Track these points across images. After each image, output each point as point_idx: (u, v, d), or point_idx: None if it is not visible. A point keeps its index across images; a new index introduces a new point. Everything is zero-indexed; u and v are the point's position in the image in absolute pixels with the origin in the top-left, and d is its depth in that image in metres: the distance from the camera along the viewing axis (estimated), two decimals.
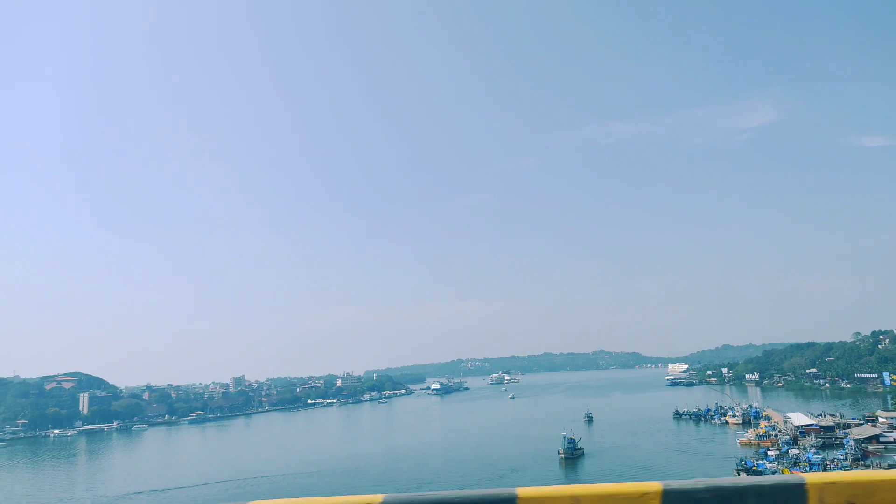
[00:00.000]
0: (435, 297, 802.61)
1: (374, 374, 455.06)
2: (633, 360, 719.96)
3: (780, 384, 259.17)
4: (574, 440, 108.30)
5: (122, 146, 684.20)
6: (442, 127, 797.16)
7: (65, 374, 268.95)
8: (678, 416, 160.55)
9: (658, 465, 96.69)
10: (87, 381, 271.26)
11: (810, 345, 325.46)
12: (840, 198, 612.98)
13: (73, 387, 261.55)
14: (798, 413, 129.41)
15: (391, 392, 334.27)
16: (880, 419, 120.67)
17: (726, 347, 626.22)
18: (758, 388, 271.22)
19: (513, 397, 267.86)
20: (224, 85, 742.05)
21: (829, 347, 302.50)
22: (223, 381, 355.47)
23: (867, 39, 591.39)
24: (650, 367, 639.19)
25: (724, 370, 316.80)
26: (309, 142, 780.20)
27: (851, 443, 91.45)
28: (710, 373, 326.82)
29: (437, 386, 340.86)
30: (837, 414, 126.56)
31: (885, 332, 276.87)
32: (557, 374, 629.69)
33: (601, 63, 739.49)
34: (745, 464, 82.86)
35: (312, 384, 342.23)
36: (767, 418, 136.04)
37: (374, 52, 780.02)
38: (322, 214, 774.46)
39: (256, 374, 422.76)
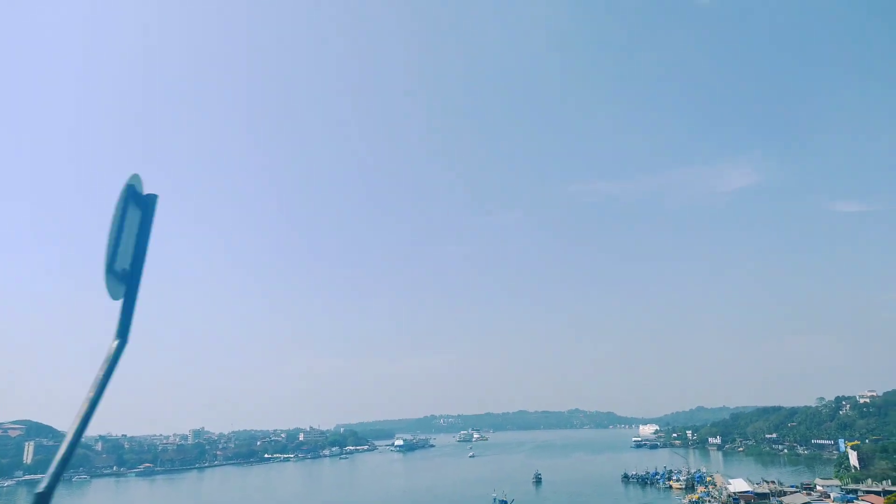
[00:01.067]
0: (412, 350, 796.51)
1: (342, 429, 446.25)
2: (607, 420, 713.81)
3: (740, 449, 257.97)
4: (506, 502, 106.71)
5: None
6: (421, 179, 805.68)
7: (12, 422, 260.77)
8: (626, 479, 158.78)
9: None
10: (35, 429, 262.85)
11: (776, 409, 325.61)
12: (818, 260, 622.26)
13: (19, 435, 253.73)
14: (740, 479, 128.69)
15: (353, 448, 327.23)
16: (817, 486, 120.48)
17: (700, 409, 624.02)
18: (720, 452, 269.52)
19: (472, 456, 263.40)
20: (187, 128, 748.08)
21: (793, 412, 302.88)
22: (184, 433, 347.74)
23: (844, 106, 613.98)
24: (624, 427, 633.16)
25: (689, 433, 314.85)
26: (282, 190, 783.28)
27: None
28: (675, 435, 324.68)
29: (401, 443, 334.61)
30: (775, 481, 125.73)
31: (847, 398, 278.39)
32: (530, 432, 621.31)
33: (586, 121, 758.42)
34: None
35: (273, 438, 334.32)
36: (711, 483, 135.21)
37: (351, 103, 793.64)
38: (298, 264, 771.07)
39: (224, 425, 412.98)
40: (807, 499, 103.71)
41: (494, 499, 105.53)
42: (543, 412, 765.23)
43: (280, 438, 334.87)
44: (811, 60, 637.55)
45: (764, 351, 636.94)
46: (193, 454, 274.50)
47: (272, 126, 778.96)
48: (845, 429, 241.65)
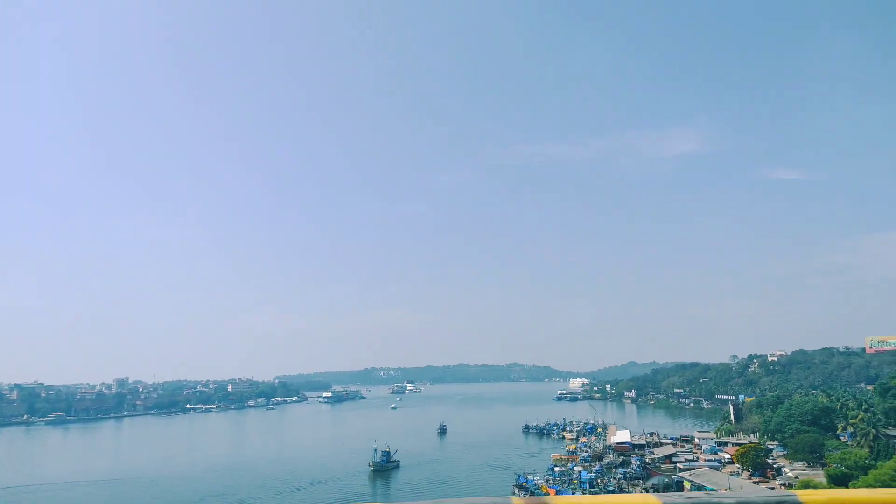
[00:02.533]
0: (360, 304, 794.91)
1: (277, 381, 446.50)
2: (544, 374, 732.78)
3: (652, 402, 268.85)
4: (388, 452, 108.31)
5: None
6: (378, 137, 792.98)
7: None
8: (527, 430, 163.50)
9: (459, 479, 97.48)
10: None
11: (693, 365, 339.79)
12: (753, 226, 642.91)
13: None
14: (626, 431, 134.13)
15: (282, 399, 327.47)
16: (696, 438, 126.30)
17: (631, 364, 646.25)
18: (634, 405, 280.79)
19: (394, 408, 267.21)
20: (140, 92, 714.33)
21: (707, 369, 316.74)
22: (110, 383, 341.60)
23: (789, 76, 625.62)
24: (559, 381, 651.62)
25: (608, 387, 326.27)
26: (244, 140, 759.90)
27: (634, 462, 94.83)
28: (596, 389, 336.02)
29: (329, 395, 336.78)
30: (656, 433, 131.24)
31: (759, 356, 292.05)
32: (468, 385, 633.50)
33: (536, 84, 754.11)
34: (519, 479, 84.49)
35: (199, 389, 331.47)
36: (601, 434, 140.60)
37: (313, 63, 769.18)
38: (243, 218, 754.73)
39: (164, 376, 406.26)
40: (673, 450, 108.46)
41: (375, 449, 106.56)
42: (483, 366, 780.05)
43: (207, 389, 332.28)
44: (758, 32, 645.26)
45: (696, 311, 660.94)
46: (112, 403, 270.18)
47: (234, 78, 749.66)
48: (751, 385, 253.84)
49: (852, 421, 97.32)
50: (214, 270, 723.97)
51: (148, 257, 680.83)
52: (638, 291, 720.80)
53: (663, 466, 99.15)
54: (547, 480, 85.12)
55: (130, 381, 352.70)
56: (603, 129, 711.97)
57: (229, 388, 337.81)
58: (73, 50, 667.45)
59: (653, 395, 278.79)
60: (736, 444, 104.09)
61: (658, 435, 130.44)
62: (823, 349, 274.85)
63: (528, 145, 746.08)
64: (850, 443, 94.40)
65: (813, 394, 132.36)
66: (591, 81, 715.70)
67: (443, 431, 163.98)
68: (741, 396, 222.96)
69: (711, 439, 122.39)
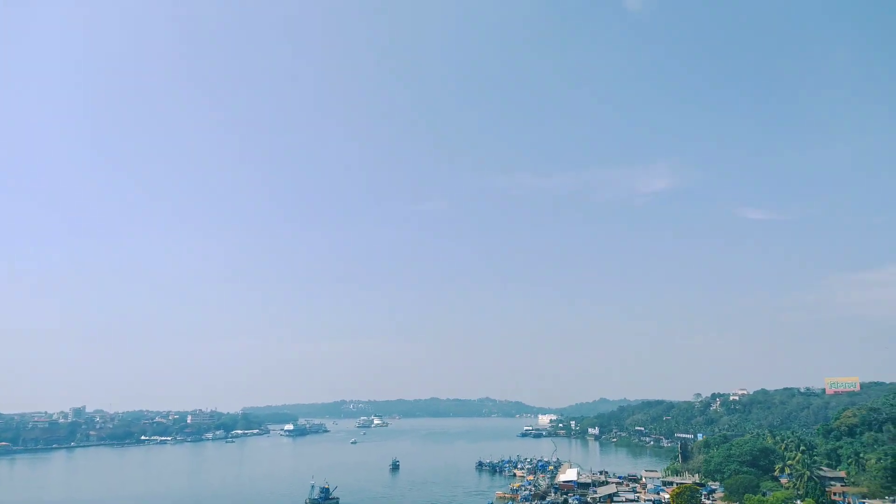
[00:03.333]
0: (332, 335, 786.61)
1: (241, 412, 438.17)
2: (515, 410, 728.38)
3: (614, 440, 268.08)
4: (328, 489, 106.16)
5: None
6: (350, 164, 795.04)
7: None
8: (480, 466, 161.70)
9: None
10: None
11: (658, 403, 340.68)
12: (724, 264, 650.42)
13: None
14: (574, 469, 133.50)
15: (242, 432, 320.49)
16: (642, 477, 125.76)
17: (602, 401, 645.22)
18: (597, 442, 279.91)
19: (354, 442, 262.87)
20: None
21: (671, 406, 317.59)
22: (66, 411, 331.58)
23: (759, 119, 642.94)
24: (529, 416, 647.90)
25: (573, 424, 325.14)
26: (229, 168, 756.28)
27: (572, 501, 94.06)
28: (561, 426, 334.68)
29: (291, 428, 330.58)
30: (605, 472, 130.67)
31: (721, 395, 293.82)
32: (438, 419, 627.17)
33: (512, 118, 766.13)
34: None
35: (156, 420, 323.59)
36: (553, 472, 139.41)
37: (292, 86, 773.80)
38: (210, 245, 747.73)
39: (130, 404, 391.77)
40: (612, 490, 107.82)
41: (312, 486, 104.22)
42: (455, 400, 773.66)
43: (165, 421, 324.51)
44: (728, 76, 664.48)
45: (668, 347, 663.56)
46: (63, 434, 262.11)
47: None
48: (711, 423, 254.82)
49: (789, 462, 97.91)
50: (185, 299, 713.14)
51: (119, 283, 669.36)
52: (611, 327, 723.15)
53: None
54: None
55: (91, 410, 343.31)
56: (579, 164, 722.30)
57: (189, 419, 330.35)
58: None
59: (616, 432, 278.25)
60: (679, 483, 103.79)
61: (607, 474, 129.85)
62: (784, 389, 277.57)
63: (504, 176, 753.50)
64: (787, 484, 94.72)
65: (763, 434, 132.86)
66: (569, 116, 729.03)
67: (395, 467, 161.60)
68: (699, 435, 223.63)
69: (657, 478, 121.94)
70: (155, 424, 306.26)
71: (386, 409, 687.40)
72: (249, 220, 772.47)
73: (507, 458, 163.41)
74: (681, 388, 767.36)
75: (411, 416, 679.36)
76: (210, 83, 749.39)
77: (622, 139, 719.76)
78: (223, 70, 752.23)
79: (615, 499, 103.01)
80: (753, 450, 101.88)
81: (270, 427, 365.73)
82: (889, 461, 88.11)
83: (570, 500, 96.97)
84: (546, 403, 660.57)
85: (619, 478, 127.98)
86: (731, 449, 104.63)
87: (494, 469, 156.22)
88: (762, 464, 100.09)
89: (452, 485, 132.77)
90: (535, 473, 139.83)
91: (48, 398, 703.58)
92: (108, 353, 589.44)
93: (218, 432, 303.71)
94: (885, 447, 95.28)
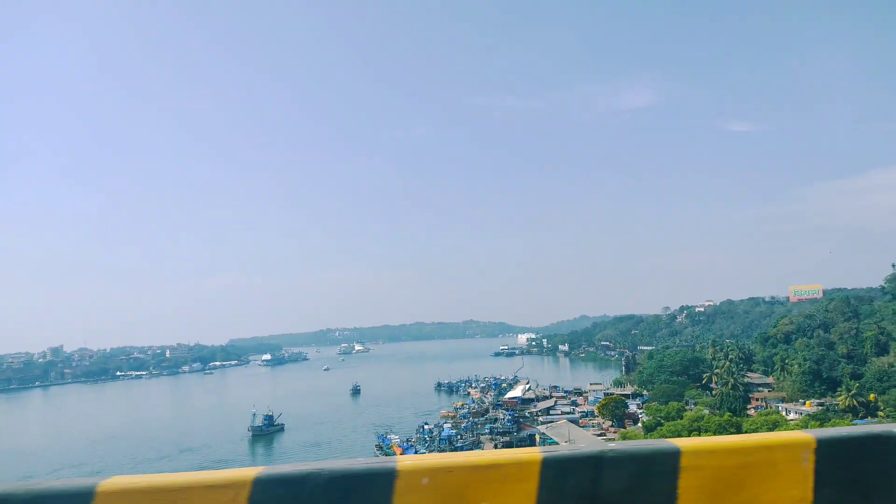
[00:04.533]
0: (316, 264, 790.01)
1: (229, 344, 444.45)
2: (498, 330, 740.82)
3: (582, 355, 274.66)
4: (271, 416, 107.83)
5: None
6: (330, 92, 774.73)
7: None
8: (439, 387, 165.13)
9: (339, 440, 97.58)
10: None
11: (630, 317, 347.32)
12: (704, 178, 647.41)
13: None
14: (523, 384, 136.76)
15: (220, 364, 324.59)
16: (587, 390, 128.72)
17: (583, 318, 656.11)
18: (567, 359, 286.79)
19: (327, 369, 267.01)
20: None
21: (640, 320, 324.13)
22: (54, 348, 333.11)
23: (735, 31, 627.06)
24: (511, 336, 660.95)
25: (545, 341, 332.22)
26: (200, 94, 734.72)
27: (502, 417, 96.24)
28: (534, 343, 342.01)
29: (269, 357, 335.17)
30: (553, 387, 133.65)
31: (688, 308, 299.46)
32: (423, 342, 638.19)
33: (488, 36, 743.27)
34: (378, 438, 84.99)
35: (136, 356, 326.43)
36: (506, 389, 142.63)
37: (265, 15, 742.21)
38: (192, 173, 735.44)
39: (114, 342, 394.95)
40: (553, 402, 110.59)
41: (254, 415, 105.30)
42: (440, 323, 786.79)
43: (144, 356, 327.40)
44: None
45: (650, 263, 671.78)
46: (38, 373, 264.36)
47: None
48: (675, 335, 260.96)
49: (717, 371, 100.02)
50: (169, 233, 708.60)
51: (99, 220, 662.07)
52: (592, 244, 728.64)
53: (541, 419, 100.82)
54: (408, 439, 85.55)
55: (75, 348, 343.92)
56: (556, 83, 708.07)
57: (167, 353, 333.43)
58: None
59: (584, 347, 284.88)
60: (608, 395, 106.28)
61: (556, 388, 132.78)
62: (750, 299, 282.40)
63: (483, 98, 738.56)
64: (715, 391, 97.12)
65: (706, 343, 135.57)
66: (543, 33, 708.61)
67: (356, 392, 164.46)
68: (658, 348, 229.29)
69: (600, 390, 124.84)
70: (132, 360, 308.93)
71: (371, 336, 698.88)
72: (231, 153, 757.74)
73: (465, 378, 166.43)
74: (658, 302, 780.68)
75: (396, 340, 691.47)
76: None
77: (603, 54, 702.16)
78: None
79: (551, 411, 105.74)
80: (684, 360, 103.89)
81: (252, 357, 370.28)
82: (808, 365, 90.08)
83: (499, 416, 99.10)
84: (528, 323, 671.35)
85: (566, 391, 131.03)
86: (662, 360, 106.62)
87: (451, 389, 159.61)
88: (692, 373, 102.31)
89: (404, 406, 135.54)
90: (490, 391, 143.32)
91: (32, 338, 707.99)
92: (92, 292, 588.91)
93: (195, 365, 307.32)
94: (807, 352, 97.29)
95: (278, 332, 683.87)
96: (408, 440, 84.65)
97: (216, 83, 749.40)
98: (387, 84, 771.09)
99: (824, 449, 3.06)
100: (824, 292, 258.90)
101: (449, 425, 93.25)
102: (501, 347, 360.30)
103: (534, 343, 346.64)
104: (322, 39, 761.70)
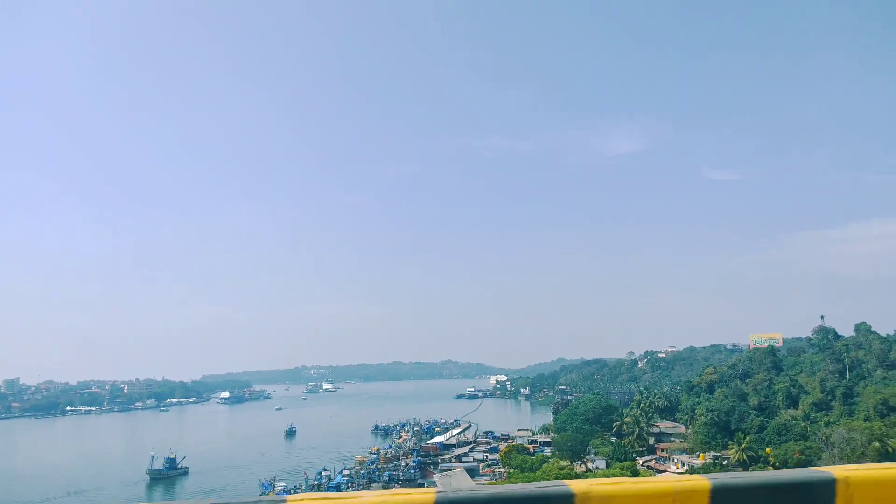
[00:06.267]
0: (294, 300, 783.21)
1: (195, 380, 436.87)
2: (476, 371, 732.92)
3: (541, 399, 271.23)
4: (174, 459, 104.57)
5: None
6: (322, 126, 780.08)
7: None
8: (376, 429, 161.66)
9: (240, 485, 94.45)
10: None
11: (596, 361, 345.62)
12: (695, 225, 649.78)
13: None
14: (460, 429, 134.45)
15: (177, 400, 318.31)
16: (514, 436, 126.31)
17: (560, 361, 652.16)
18: (528, 402, 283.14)
19: (279, 409, 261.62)
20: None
21: (604, 365, 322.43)
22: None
23: (723, 79, 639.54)
24: (487, 377, 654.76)
25: (508, 384, 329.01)
26: (187, 129, 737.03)
27: (404, 462, 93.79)
28: (497, 386, 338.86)
29: (227, 395, 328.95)
30: (488, 433, 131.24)
31: (650, 354, 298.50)
32: (399, 383, 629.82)
33: (482, 78, 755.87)
34: (262, 485, 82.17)
35: (92, 390, 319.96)
36: (438, 433, 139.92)
37: (254, 48, 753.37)
38: (166, 205, 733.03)
39: (83, 374, 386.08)
40: (467, 450, 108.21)
41: (153, 456, 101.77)
42: (417, 363, 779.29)
43: (101, 390, 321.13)
44: (697, 35, 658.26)
45: (625, 307, 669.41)
46: None
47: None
48: (635, 381, 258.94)
49: (626, 419, 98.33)
50: (142, 265, 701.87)
51: (74, 253, 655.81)
52: (573, 287, 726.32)
53: (441, 466, 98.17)
54: (296, 487, 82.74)
55: (44, 380, 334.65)
56: (549, 125, 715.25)
57: (125, 389, 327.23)
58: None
59: (544, 391, 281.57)
60: (509, 444, 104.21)
61: (491, 433, 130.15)
62: (712, 346, 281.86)
63: (476, 139, 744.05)
64: (622, 440, 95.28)
65: (630, 392, 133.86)
66: (536, 77, 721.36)
67: (291, 433, 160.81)
68: (611, 393, 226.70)
69: (526, 437, 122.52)
70: (86, 395, 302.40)
71: (347, 374, 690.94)
72: (212, 188, 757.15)
73: (403, 421, 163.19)
74: (634, 346, 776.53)
75: (372, 380, 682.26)
76: None
77: (594, 99, 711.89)
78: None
79: (464, 458, 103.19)
80: (596, 407, 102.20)
81: (213, 395, 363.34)
82: (710, 417, 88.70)
83: (409, 462, 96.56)
84: (506, 364, 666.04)
85: (494, 437, 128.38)
86: (576, 407, 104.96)
87: (387, 432, 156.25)
88: (604, 421, 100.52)
89: (331, 449, 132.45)
90: (423, 434, 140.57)
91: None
92: (64, 324, 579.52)
93: (149, 401, 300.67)
94: (716, 403, 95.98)
95: (252, 369, 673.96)
96: (295, 487, 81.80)
97: (196, 104, 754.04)
98: (378, 120, 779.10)
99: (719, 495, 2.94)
100: (784, 341, 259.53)
101: (348, 472, 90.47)
102: (468, 389, 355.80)
103: (498, 386, 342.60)
104: (315, 70, 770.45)
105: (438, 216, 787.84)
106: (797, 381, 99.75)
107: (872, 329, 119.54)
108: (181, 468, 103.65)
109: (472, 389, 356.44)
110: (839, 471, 3.09)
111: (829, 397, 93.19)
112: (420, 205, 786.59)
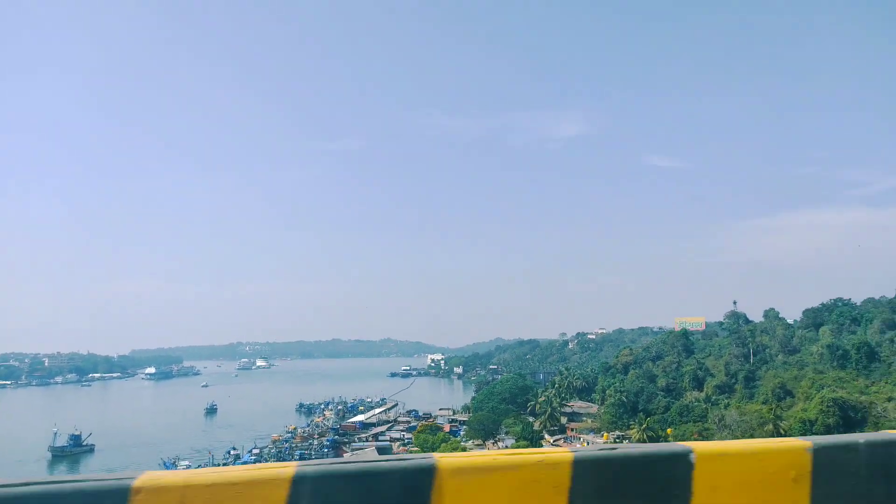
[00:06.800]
0: (233, 274, 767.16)
1: (125, 354, 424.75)
2: (415, 350, 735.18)
3: (473, 378, 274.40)
4: (79, 436, 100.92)
5: None
6: (262, 101, 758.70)
7: None
8: (300, 407, 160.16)
9: (146, 464, 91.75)
10: None
11: (529, 342, 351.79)
12: (629, 209, 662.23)
13: None
14: (385, 408, 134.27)
15: (100, 375, 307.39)
16: (436, 414, 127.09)
17: (498, 340, 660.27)
18: (460, 381, 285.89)
19: (205, 386, 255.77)
20: None
21: (537, 345, 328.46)
22: None
23: (665, 67, 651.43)
24: (425, 356, 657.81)
25: (442, 363, 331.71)
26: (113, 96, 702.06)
27: (316, 442, 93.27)
28: (432, 365, 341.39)
29: (153, 371, 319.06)
30: (411, 412, 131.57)
31: (581, 335, 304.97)
32: (336, 360, 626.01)
33: (429, 56, 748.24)
34: (165, 464, 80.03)
35: (11, 363, 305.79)
36: (363, 412, 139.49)
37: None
38: (108, 177, 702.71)
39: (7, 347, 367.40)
40: (384, 429, 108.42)
41: (55, 433, 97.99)
42: (357, 341, 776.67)
43: (20, 364, 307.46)
44: (640, 23, 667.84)
45: (561, 289, 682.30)
46: None
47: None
48: (564, 361, 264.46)
49: (540, 399, 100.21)
50: (74, 235, 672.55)
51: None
52: (512, 267, 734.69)
53: (353, 445, 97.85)
54: (202, 465, 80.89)
55: None
56: (495, 107, 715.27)
57: (46, 362, 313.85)
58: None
59: (476, 371, 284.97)
60: (424, 423, 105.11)
61: (415, 412, 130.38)
62: (640, 328, 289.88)
63: (418, 114, 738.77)
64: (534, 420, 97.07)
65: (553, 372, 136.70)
66: (484, 59, 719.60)
67: (211, 411, 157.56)
68: (539, 373, 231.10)
69: (447, 416, 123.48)
70: (2, 368, 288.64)
71: (285, 351, 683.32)
72: (142, 163, 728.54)
73: (328, 400, 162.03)
74: (572, 327, 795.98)
75: (310, 357, 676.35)
76: None
77: (539, 83, 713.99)
78: None
79: (380, 437, 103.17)
80: (513, 387, 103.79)
81: (140, 370, 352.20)
82: (618, 397, 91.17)
83: (324, 441, 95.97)
84: (446, 343, 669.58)
85: (417, 416, 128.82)
86: (494, 387, 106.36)
87: (310, 410, 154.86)
88: (520, 400, 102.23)
89: (250, 428, 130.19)
90: (346, 413, 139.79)
91: None
92: None
93: (70, 375, 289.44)
94: (626, 384, 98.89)
95: (185, 344, 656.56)
96: (200, 466, 79.89)
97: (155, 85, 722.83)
98: (320, 95, 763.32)
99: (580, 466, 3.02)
100: (707, 325, 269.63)
101: (258, 451, 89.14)
102: (403, 368, 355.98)
103: (433, 365, 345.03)
104: (254, 42, 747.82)
105: (382, 194, 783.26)
106: (704, 363, 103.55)
107: (780, 315, 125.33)
108: (86, 445, 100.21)
109: (408, 368, 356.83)
110: (696, 445, 3.22)
111: (733, 380, 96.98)
112: (364, 182, 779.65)
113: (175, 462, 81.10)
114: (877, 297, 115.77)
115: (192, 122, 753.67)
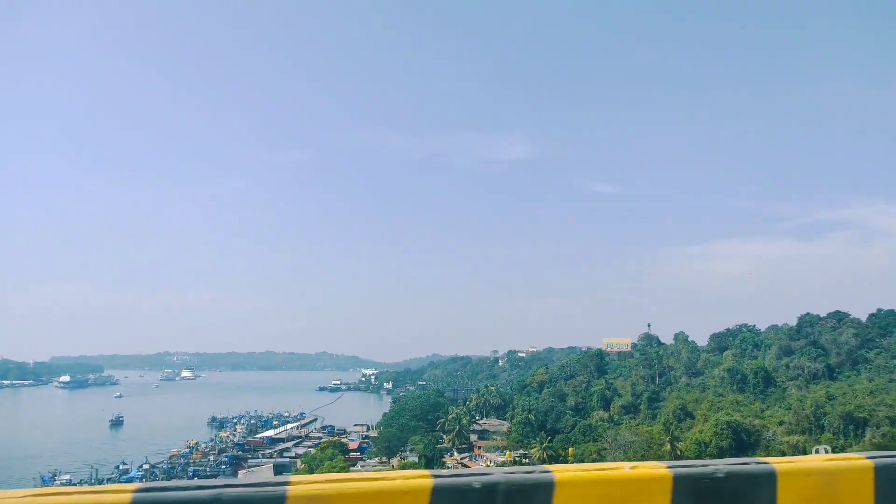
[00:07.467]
0: (162, 283, 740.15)
1: (44, 361, 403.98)
2: (350, 364, 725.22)
3: (402, 393, 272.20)
4: None
5: None
6: (203, 106, 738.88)
7: None
8: (212, 421, 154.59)
9: (26, 479, 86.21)
10: None
11: (461, 358, 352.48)
12: (566, 234, 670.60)
13: None
14: (302, 423, 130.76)
15: (11, 382, 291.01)
16: (350, 431, 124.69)
17: (435, 356, 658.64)
18: (389, 396, 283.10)
19: (119, 396, 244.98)
20: None
21: (468, 362, 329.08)
22: None
23: (604, 95, 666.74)
24: (360, 371, 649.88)
25: (373, 378, 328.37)
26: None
27: (214, 459, 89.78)
28: (362, 379, 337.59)
29: (67, 379, 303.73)
30: (327, 427, 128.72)
31: (512, 353, 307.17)
32: (267, 373, 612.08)
33: (378, 74, 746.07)
34: (43, 479, 75.42)
35: None
36: (277, 426, 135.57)
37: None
38: (48, 183, 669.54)
39: None
40: (291, 445, 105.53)
41: None
42: (291, 353, 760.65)
43: None
44: (580, 53, 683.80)
45: (489, 307, 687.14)
46: None
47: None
48: (494, 378, 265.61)
49: (450, 417, 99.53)
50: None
51: None
52: (451, 284, 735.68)
53: (250, 463, 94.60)
54: (81, 482, 76.46)
55: None
56: (440, 127, 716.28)
57: None
58: None
59: (405, 387, 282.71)
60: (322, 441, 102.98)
61: (332, 428, 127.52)
62: (569, 347, 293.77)
63: (366, 131, 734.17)
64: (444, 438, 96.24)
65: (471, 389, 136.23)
66: (433, 80, 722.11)
67: (117, 424, 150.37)
68: (462, 391, 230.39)
69: (360, 433, 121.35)
70: None
71: (214, 362, 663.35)
72: (66, 165, 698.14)
73: (243, 414, 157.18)
74: (501, 345, 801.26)
75: (241, 369, 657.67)
76: None
77: (486, 106, 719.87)
78: None
79: (285, 453, 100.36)
80: (425, 404, 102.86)
81: (54, 379, 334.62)
82: (526, 415, 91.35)
83: (222, 458, 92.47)
84: (381, 358, 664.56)
85: (331, 432, 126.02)
86: (406, 403, 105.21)
87: (222, 424, 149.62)
88: (430, 417, 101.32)
89: (152, 442, 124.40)
90: (259, 429, 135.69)
91: None
92: None
93: None
94: (535, 402, 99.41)
95: (110, 353, 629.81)
96: (81, 482, 75.52)
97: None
98: (264, 106, 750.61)
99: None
100: (633, 345, 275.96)
101: (147, 466, 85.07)
102: (333, 382, 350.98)
103: (364, 379, 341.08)
104: (206, 50, 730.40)
105: (326, 207, 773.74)
106: (613, 384, 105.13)
107: (690, 339, 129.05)
108: None
109: (338, 382, 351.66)
110: (559, 470, 3.13)
111: (638, 401, 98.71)
112: (309, 195, 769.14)
113: (54, 476, 76.37)
114: (780, 325, 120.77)
115: (124, 126, 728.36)
